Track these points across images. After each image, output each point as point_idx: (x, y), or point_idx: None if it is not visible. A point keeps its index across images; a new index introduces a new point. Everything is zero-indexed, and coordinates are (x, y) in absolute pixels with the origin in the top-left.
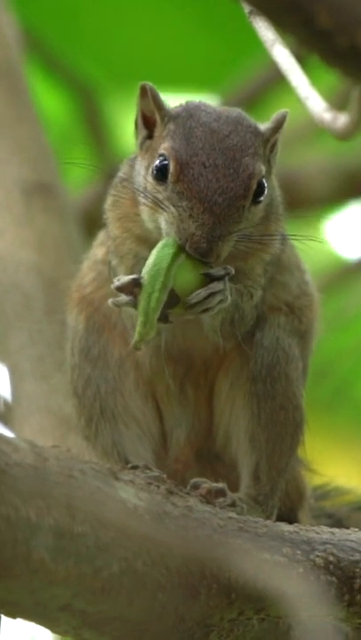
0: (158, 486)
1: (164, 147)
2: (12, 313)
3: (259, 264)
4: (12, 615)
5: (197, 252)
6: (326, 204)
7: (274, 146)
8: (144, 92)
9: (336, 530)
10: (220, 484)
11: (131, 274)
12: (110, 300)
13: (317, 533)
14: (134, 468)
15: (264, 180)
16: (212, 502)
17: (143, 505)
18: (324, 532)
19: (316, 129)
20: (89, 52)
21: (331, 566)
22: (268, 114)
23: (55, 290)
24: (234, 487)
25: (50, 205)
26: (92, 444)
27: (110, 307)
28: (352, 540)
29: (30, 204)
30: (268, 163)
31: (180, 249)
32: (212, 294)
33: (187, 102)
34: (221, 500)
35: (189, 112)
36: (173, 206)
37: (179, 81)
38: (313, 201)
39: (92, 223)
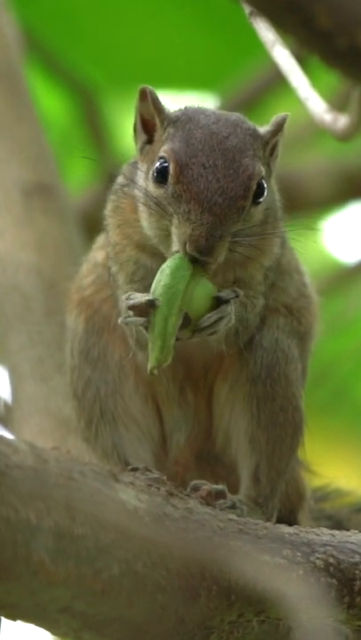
0: (158, 488)
1: (164, 149)
2: (11, 314)
3: (259, 271)
4: (12, 617)
5: (197, 250)
6: (326, 205)
7: (274, 149)
8: (144, 95)
9: (336, 532)
10: (220, 486)
11: (131, 281)
12: (120, 320)
13: (317, 535)
14: (134, 469)
15: (264, 182)
16: (212, 504)
17: (143, 507)
18: (325, 534)
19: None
20: (89, 53)
21: (331, 568)
22: (268, 115)
23: (55, 291)
24: (234, 489)
25: (50, 206)
26: (91, 446)
27: (110, 309)
28: (352, 542)
29: (30, 205)
30: (268, 166)
31: (194, 271)
32: (221, 318)
33: (186, 106)
34: (221, 501)
35: (189, 115)
36: (175, 213)
37: (179, 82)
38: (312, 203)
39: (92, 224)
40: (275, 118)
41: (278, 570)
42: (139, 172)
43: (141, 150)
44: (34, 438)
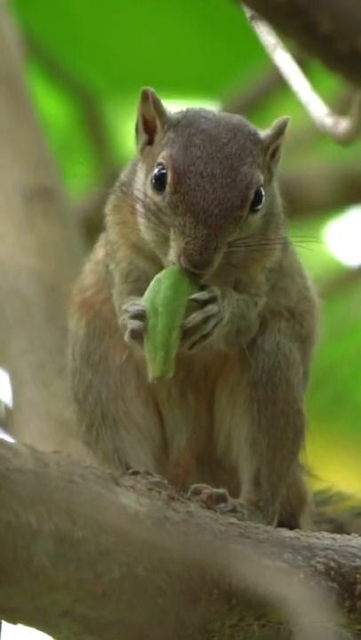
0: (159, 492)
1: (163, 155)
2: (12, 319)
3: (260, 272)
4: (13, 621)
5: (192, 264)
6: (327, 209)
7: (275, 152)
8: (145, 97)
9: (337, 535)
10: (221, 490)
11: (125, 281)
12: (127, 338)
13: (318, 539)
14: (135, 473)
15: (262, 189)
16: (213, 508)
17: (144, 510)
18: (326, 538)
19: (317, 134)
20: (89, 57)
21: (332, 572)
22: (269, 118)
23: (56, 295)
24: (235, 493)
25: (51, 210)
26: (92, 450)
27: (110, 310)
28: (353, 546)
29: (31, 209)
30: (269, 170)
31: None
32: (207, 318)
33: (187, 109)
34: (222, 505)
35: (189, 119)
36: (172, 225)
37: (180, 86)
38: (313, 207)
39: (93, 228)
40: (276, 122)
41: (279, 574)
42: (138, 173)
43: (142, 151)
44: (34, 442)
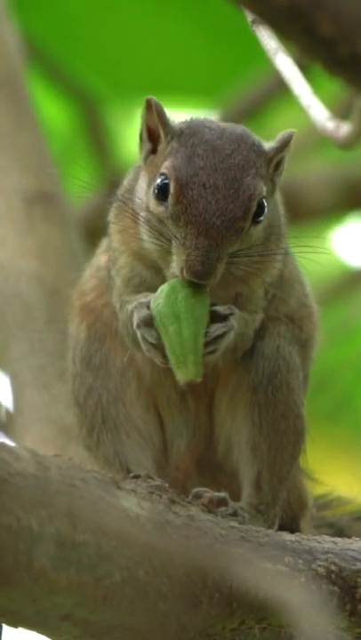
0: (160, 495)
1: (166, 165)
2: (13, 322)
3: (260, 287)
4: (14, 624)
5: (194, 275)
6: (328, 214)
7: (279, 165)
8: (149, 106)
9: (338, 539)
10: (222, 494)
11: (127, 286)
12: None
13: (319, 543)
14: (136, 477)
15: (264, 201)
16: (214, 511)
17: (145, 514)
18: (326, 542)
19: (318, 138)
20: (90, 61)
21: (333, 576)
22: (270, 122)
23: (56, 299)
24: (236, 496)
25: (51, 214)
26: (93, 454)
27: (111, 314)
28: (354, 550)
29: (32, 213)
30: (272, 181)
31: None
32: (224, 333)
33: (191, 119)
34: (223, 509)
35: (193, 129)
36: (175, 237)
37: (181, 90)
38: (314, 211)
39: (93, 232)
40: (281, 134)
41: (280, 577)
42: (141, 183)
43: (145, 159)
44: (35, 446)
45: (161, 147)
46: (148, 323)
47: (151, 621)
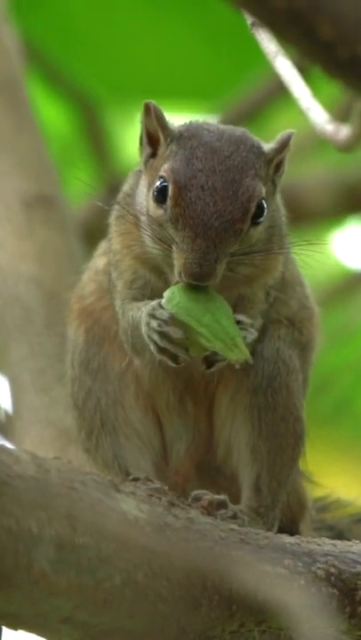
0: (160, 498)
1: (165, 168)
2: (12, 325)
3: (262, 289)
4: (14, 626)
5: (192, 277)
6: (327, 217)
7: (279, 166)
8: (148, 110)
9: (338, 542)
10: (222, 496)
11: (130, 289)
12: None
13: (319, 545)
14: (135, 480)
15: (264, 202)
16: (214, 514)
17: (144, 517)
18: (326, 544)
19: (318, 141)
20: (89, 65)
21: (332, 578)
22: (270, 125)
23: (56, 302)
24: (235, 499)
25: (50, 217)
26: (92, 457)
27: (110, 318)
28: (354, 552)
29: (31, 216)
30: (273, 183)
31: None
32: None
33: (190, 121)
34: (223, 511)
35: (192, 132)
36: (174, 240)
37: (180, 93)
38: (314, 214)
39: (92, 235)
40: (280, 135)
41: (280, 580)
42: (141, 187)
43: (145, 163)
44: (35, 448)
45: (161, 150)
46: (172, 321)
47: (151, 624)
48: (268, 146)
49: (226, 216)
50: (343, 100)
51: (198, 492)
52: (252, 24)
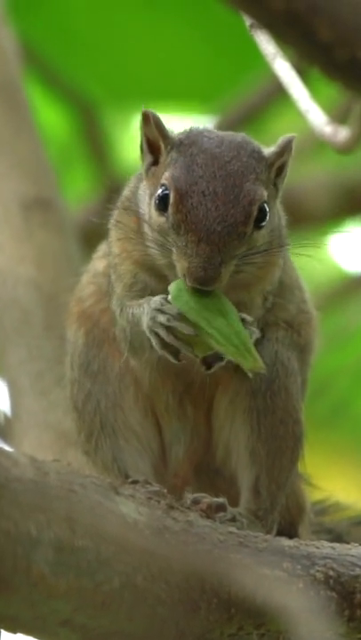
0: (159, 501)
1: (166, 176)
2: (10, 328)
3: (259, 294)
4: (12, 629)
5: (197, 282)
6: (326, 219)
7: (281, 170)
8: (147, 119)
9: (336, 545)
10: (221, 499)
11: (129, 291)
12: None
13: (318, 548)
14: (135, 482)
15: (266, 205)
16: (213, 517)
17: (143, 519)
18: (325, 547)
19: (316, 142)
20: (88, 67)
21: (331, 581)
22: (268, 128)
23: (54, 305)
24: (234, 502)
25: (49, 220)
26: (91, 459)
27: (109, 320)
28: (352, 555)
29: (29, 218)
30: (275, 187)
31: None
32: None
33: (190, 128)
34: (221, 514)
35: (192, 139)
36: (177, 246)
37: (179, 95)
38: (312, 216)
39: (91, 238)
40: (281, 139)
41: (278, 583)
42: (143, 194)
43: (147, 171)
44: (33, 451)
45: (162, 158)
46: (180, 317)
47: (150, 627)
48: (268, 150)
49: (228, 220)
50: (342, 101)
51: (197, 495)
52: (251, 26)
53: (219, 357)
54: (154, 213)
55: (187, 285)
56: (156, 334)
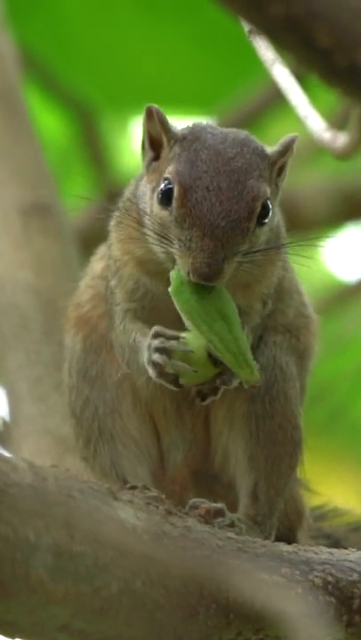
0: (157, 506)
1: (169, 170)
2: (9, 334)
3: (258, 300)
4: (11, 635)
5: (201, 277)
6: (325, 224)
7: (281, 170)
8: (150, 114)
9: (335, 550)
10: (219, 504)
11: (130, 299)
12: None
13: (316, 553)
14: (133, 488)
15: (269, 202)
16: (211, 522)
17: (142, 525)
18: (323, 553)
19: (315, 148)
20: (87, 73)
21: (329, 586)
22: (267, 133)
23: (53, 310)
24: (232, 507)
25: (48, 226)
26: (90, 465)
27: (107, 325)
28: (351, 561)
29: (28, 224)
30: (276, 186)
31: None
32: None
33: (193, 124)
34: (220, 520)
35: (195, 134)
36: (179, 240)
37: (177, 101)
38: (311, 222)
39: (90, 244)
40: (283, 139)
41: (277, 588)
42: (144, 190)
43: (148, 167)
44: (32, 457)
45: (164, 153)
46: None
47: (148, 632)
48: (271, 149)
49: (232, 215)
50: (341, 107)
51: (196, 500)
52: (250, 31)
53: (213, 390)
54: (156, 207)
55: (189, 280)
56: (155, 365)
